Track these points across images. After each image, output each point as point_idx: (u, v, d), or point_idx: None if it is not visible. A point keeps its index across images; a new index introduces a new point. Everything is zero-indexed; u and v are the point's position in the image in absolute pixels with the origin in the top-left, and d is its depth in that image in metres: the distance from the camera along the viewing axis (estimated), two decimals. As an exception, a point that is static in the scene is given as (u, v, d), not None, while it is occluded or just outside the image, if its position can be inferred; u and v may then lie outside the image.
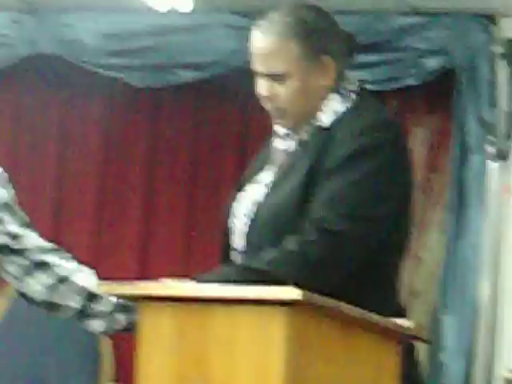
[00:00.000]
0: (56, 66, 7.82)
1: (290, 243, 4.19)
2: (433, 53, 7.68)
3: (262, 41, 4.58)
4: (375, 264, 4.45)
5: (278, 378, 3.74)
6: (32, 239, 4.69)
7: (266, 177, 4.58)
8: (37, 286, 4.63)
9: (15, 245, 4.67)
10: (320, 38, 4.67)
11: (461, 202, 7.62)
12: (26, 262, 4.61)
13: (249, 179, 4.67)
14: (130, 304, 4.56)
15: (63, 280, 4.75)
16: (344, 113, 4.50)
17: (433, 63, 7.68)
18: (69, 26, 7.87)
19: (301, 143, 4.52)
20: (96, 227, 7.99)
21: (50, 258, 4.71)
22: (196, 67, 7.22)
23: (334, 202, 4.37)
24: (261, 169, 4.66)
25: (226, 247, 4.59)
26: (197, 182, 7.90)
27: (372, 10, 7.67)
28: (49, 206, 7.38)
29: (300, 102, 4.56)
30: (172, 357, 4.03)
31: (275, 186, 4.47)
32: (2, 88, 8.05)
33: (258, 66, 4.53)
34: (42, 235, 4.71)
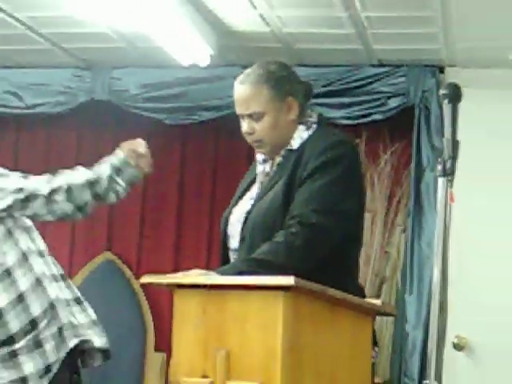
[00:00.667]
0: (107, 109, 7.89)
1: (279, 236, 4.41)
2: (395, 95, 7.71)
3: (241, 89, 4.96)
4: (343, 250, 4.52)
5: (278, 345, 3.82)
6: None
7: (252, 193, 4.86)
8: None
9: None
10: (285, 83, 4.94)
11: (418, 209, 7.67)
12: None
13: (239, 196, 4.97)
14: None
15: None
16: (308, 137, 4.78)
17: (395, 103, 7.71)
18: (117, 79, 7.91)
19: (277, 165, 4.71)
20: (141, 235, 8.16)
21: None
22: (213, 109, 7.31)
23: (308, 202, 4.57)
24: (247, 189, 4.96)
25: (225, 249, 4.91)
26: (215, 199, 8.05)
27: (349, 63, 7.67)
28: (105, 222, 7.46)
29: (273, 133, 4.84)
30: (198, 330, 4.10)
31: (260, 197, 4.71)
32: (65, 127, 8.14)
33: (239, 108, 4.88)
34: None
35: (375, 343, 4.85)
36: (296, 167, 4.57)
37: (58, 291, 4.93)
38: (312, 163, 4.54)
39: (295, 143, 4.68)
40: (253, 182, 4.88)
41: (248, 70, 4.90)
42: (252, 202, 4.66)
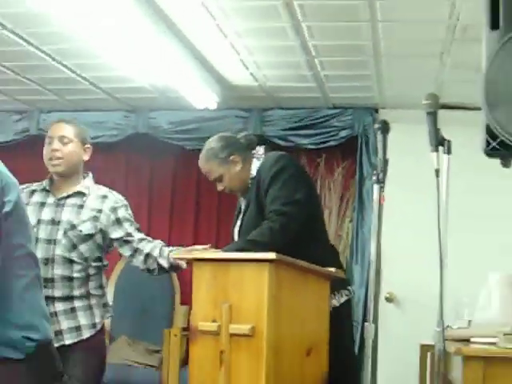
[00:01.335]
0: (147, 139, 7.88)
1: (263, 224, 4.58)
2: (344, 128, 7.68)
3: (202, 165, 5.27)
4: (308, 225, 4.71)
5: (265, 299, 3.86)
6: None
7: (240, 216, 5.01)
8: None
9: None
10: (223, 151, 5.15)
11: (360, 206, 7.66)
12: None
13: (235, 219, 5.22)
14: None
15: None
16: (260, 164, 4.98)
17: (344, 134, 7.68)
18: (153, 118, 7.88)
19: (249, 189, 4.85)
20: (170, 226, 8.18)
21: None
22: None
23: (275, 201, 4.76)
24: (238, 213, 5.21)
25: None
26: (221, 208, 8.14)
27: (312, 106, 7.65)
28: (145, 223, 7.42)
29: (234, 182, 5.14)
30: (210, 289, 4.14)
31: (244, 215, 4.85)
32: (118, 152, 8.16)
33: (207, 176, 5.23)
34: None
35: (348, 285, 4.97)
36: (258, 186, 4.76)
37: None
38: (267, 178, 4.68)
39: (253, 172, 4.89)
40: (238, 211, 5.24)
41: (203, 151, 5.32)
42: (239, 223, 4.89)
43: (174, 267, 4.95)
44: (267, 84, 6.99)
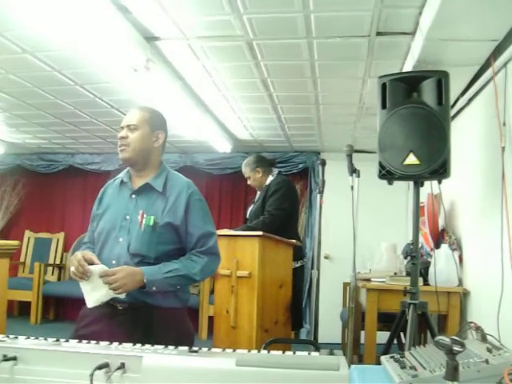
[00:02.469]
0: (191, 169, 7.71)
1: (261, 218, 4.53)
2: (301, 163, 7.65)
3: (242, 167, 5.03)
4: (287, 222, 4.58)
5: (256, 257, 3.80)
6: None
7: (253, 203, 4.82)
8: None
9: None
10: (257, 164, 4.99)
11: (310, 206, 7.63)
12: None
13: (251, 203, 4.96)
14: None
15: None
16: (272, 180, 4.86)
17: (301, 166, 7.60)
18: (195, 157, 7.82)
19: (262, 190, 4.53)
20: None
21: None
22: (231, 169, 7.15)
23: (270, 205, 4.71)
24: (253, 201, 4.95)
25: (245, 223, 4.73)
26: (232, 209, 7.92)
27: (284, 150, 7.62)
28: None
29: (256, 183, 5.00)
30: (226, 251, 4.09)
31: (254, 205, 4.62)
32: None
33: (248, 182, 4.99)
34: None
35: (302, 257, 4.95)
36: (267, 192, 4.72)
37: None
38: (272, 190, 4.67)
39: (267, 182, 4.84)
40: (254, 199, 5.02)
41: (245, 160, 5.08)
42: (252, 207, 4.84)
43: None
44: (258, 138, 6.99)
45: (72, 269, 2.37)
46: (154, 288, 2.37)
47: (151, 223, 2.44)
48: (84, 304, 2.45)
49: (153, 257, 2.43)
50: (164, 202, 2.51)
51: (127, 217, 2.50)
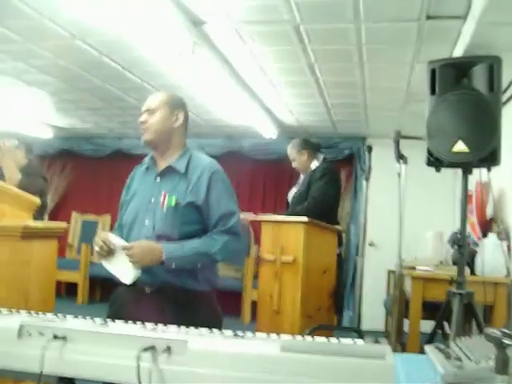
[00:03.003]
0: (239, 155, 7.76)
1: (303, 204, 4.46)
2: (346, 149, 7.62)
3: (288, 148, 4.94)
4: (332, 208, 4.51)
5: (301, 243, 3.79)
6: None
7: (297, 186, 4.65)
8: None
9: None
10: (307, 144, 4.91)
11: (355, 192, 7.60)
12: None
13: (294, 185, 4.81)
14: None
15: None
16: (317, 165, 4.76)
17: (347, 152, 7.58)
18: (242, 142, 7.87)
19: (306, 176, 4.47)
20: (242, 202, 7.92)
21: None
22: (278, 154, 7.08)
23: (314, 192, 4.70)
24: (295, 184, 4.82)
25: (287, 207, 4.61)
26: (275, 192, 7.90)
27: (329, 136, 7.57)
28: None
29: (300, 166, 4.99)
30: (271, 236, 4.09)
31: (298, 189, 4.57)
32: (222, 161, 7.75)
33: (293, 164, 4.90)
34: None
35: (341, 244, 4.90)
36: (311, 178, 4.65)
37: None
38: (317, 176, 4.63)
39: (312, 167, 4.76)
40: (297, 182, 4.89)
41: (291, 142, 4.97)
42: (295, 189, 4.79)
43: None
44: (304, 124, 6.97)
45: (96, 248, 2.44)
46: (174, 265, 2.39)
47: (173, 204, 2.46)
48: (116, 287, 2.54)
49: (177, 237, 2.44)
50: (186, 182, 2.51)
51: (152, 200, 2.52)
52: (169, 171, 2.56)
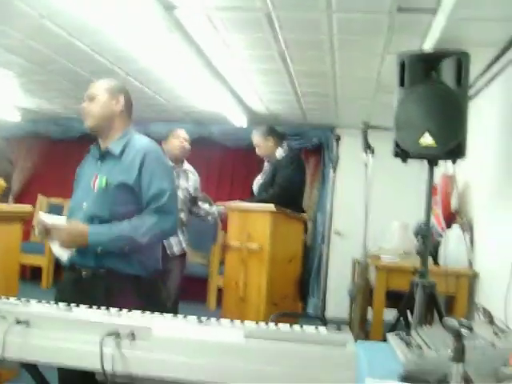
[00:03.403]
0: (209, 142, 7.67)
1: (269, 191, 4.48)
2: (315, 137, 7.63)
3: (253, 134, 5.04)
4: (295, 199, 4.51)
5: (267, 231, 3.81)
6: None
7: (261, 174, 4.63)
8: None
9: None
10: (267, 132, 4.97)
11: (323, 182, 7.61)
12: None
13: (257, 175, 4.83)
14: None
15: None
16: (283, 153, 4.75)
17: (315, 141, 7.59)
18: (210, 129, 7.78)
19: (270, 164, 4.46)
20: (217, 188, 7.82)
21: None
22: (247, 141, 6.98)
23: (279, 179, 4.77)
24: (260, 172, 4.83)
25: (252, 194, 4.71)
26: (243, 180, 7.81)
27: (298, 124, 7.57)
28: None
29: (265, 152, 4.99)
30: (238, 223, 4.10)
31: (262, 176, 4.62)
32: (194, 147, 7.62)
33: (253, 142, 4.95)
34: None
35: (306, 231, 4.92)
36: (277, 166, 4.67)
37: None
38: (282, 163, 4.65)
39: (277, 155, 4.77)
40: (262, 170, 4.88)
41: (257, 129, 5.06)
42: (260, 178, 4.79)
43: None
44: (274, 112, 6.96)
45: (36, 231, 2.50)
46: (100, 248, 2.42)
47: (104, 185, 2.49)
48: (64, 269, 2.60)
49: (107, 218, 2.45)
50: (121, 164, 2.53)
51: (90, 183, 2.56)
52: (107, 154, 2.60)
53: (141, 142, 2.61)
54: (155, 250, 2.62)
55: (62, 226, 2.44)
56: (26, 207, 4.11)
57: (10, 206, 4.42)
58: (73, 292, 2.45)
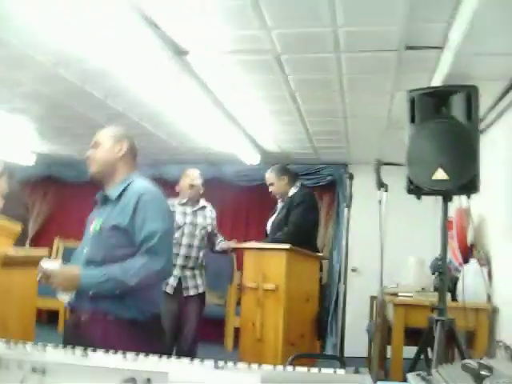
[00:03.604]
0: (223, 182, 7.69)
1: (283, 230, 4.44)
2: (329, 175, 7.64)
3: (267, 173, 5.03)
4: (309, 237, 4.47)
5: (283, 270, 3.78)
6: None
7: (275, 214, 4.65)
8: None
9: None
10: (286, 172, 4.98)
11: (337, 219, 7.59)
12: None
13: (271, 213, 4.81)
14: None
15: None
16: (295, 191, 4.73)
17: (329, 178, 7.59)
18: (223, 169, 7.83)
19: (283, 202, 4.51)
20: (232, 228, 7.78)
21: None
22: (261, 180, 6.99)
23: (293, 217, 4.72)
24: (274, 211, 4.81)
25: (266, 235, 4.65)
26: (259, 216, 7.80)
27: (310, 163, 7.59)
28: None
29: (279, 190, 4.91)
30: (254, 263, 4.08)
31: (277, 216, 4.49)
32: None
33: (267, 181, 4.97)
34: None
35: (321, 269, 4.89)
36: (290, 204, 4.66)
37: None
38: (295, 202, 4.64)
39: (290, 194, 4.76)
40: (275, 210, 4.85)
41: (272, 167, 5.05)
42: (273, 218, 4.77)
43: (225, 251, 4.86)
44: (286, 150, 6.99)
45: (38, 277, 2.51)
46: (92, 291, 2.42)
47: (98, 228, 2.53)
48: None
49: (102, 261, 2.45)
50: (117, 207, 2.55)
51: (90, 228, 2.61)
52: (107, 199, 2.63)
53: (138, 185, 2.61)
54: (152, 293, 2.58)
55: (57, 270, 2.46)
56: (41, 251, 4.10)
57: (26, 251, 4.43)
58: (74, 335, 2.45)
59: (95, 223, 2.56)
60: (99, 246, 2.50)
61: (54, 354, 1.61)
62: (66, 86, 4.62)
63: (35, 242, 8.34)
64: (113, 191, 2.61)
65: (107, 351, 1.71)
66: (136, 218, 2.47)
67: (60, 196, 8.75)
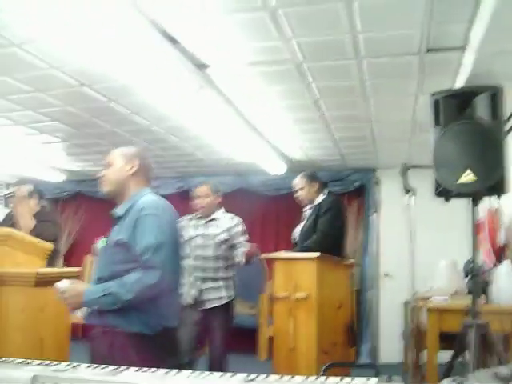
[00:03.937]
0: (251, 192, 7.71)
1: (312, 238, 4.37)
2: (356, 181, 7.57)
3: (298, 178, 4.99)
4: (338, 244, 4.46)
5: (314, 279, 3.78)
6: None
7: (304, 221, 4.59)
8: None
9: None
10: (312, 177, 4.96)
11: (367, 225, 7.52)
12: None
13: (301, 220, 4.74)
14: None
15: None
16: (323, 199, 4.65)
17: (357, 184, 7.47)
18: (249, 179, 7.86)
19: (311, 209, 4.45)
20: (262, 239, 7.77)
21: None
22: (288, 189, 6.96)
23: (321, 225, 4.70)
24: (302, 220, 4.77)
25: (294, 244, 4.58)
26: (287, 225, 7.81)
27: (338, 170, 7.57)
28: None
29: (308, 196, 4.89)
30: (284, 273, 4.08)
31: (305, 223, 4.51)
32: (232, 196, 7.26)
33: (295, 187, 4.93)
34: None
35: (353, 276, 4.86)
36: (319, 211, 4.65)
37: None
38: (324, 209, 4.61)
39: (317, 201, 4.75)
40: (303, 218, 4.83)
41: (302, 173, 5.01)
42: (301, 226, 4.77)
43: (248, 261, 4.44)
44: (312, 158, 6.97)
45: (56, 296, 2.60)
46: (95, 307, 2.52)
47: (105, 245, 2.64)
48: None
49: (108, 276, 2.50)
50: (123, 223, 2.61)
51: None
52: (117, 216, 2.71)
53: (143, 200, 2.65)
54: (159, 307, 2.54)
55: (65, 287, 2.54)
56: (73, 269, 4.18)
57: (59, 269, 4.49)
58: (89, 349, 2.55)
59: (101, 241, 2.68)
60: (106, 262, 2.58)
61: (86, 373, 1.63)
62: (91, 104, 4.70)
63: (67, 259, 8.43)
64: (121, 208, 2.69)
65: (139, 370, 1.72)
66: (135, 232, 2.52)
67: (90, 212, 8.80)
